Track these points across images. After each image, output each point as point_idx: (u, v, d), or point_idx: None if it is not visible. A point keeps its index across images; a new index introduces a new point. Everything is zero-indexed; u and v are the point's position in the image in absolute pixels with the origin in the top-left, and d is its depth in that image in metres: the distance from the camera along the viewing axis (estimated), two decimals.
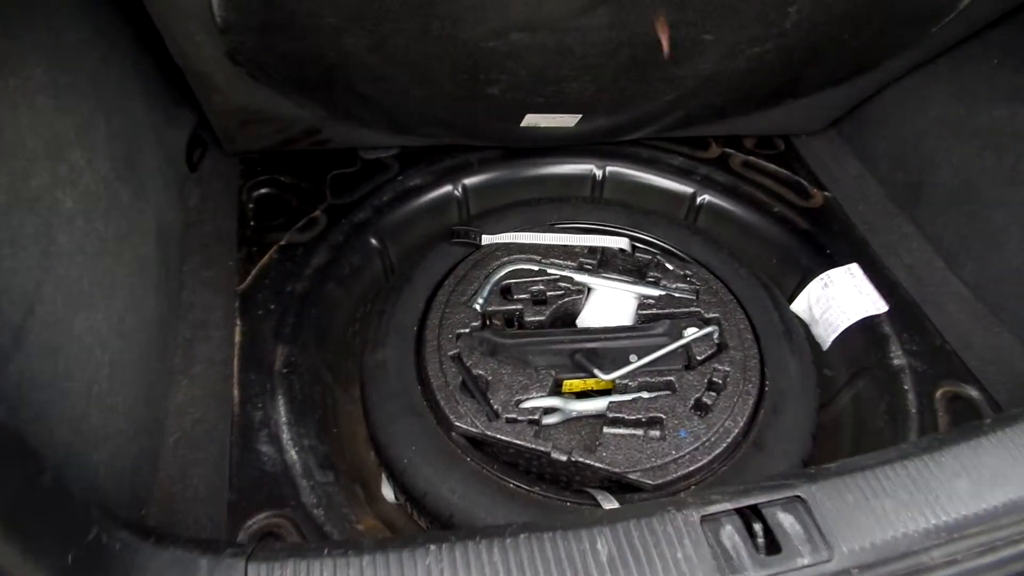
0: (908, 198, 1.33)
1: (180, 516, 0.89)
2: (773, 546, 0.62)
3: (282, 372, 1.07)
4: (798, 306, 1.31)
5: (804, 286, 1.30)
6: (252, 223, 1.30)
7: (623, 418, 1.03)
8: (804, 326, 1.27)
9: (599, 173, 1.50)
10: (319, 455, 0.99)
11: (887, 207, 1.37)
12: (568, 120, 1.35)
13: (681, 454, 0.99)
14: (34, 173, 0.74)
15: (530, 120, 1.32)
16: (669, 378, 1.08)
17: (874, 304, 1.22)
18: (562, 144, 1.48)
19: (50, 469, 0.53)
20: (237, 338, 1.10)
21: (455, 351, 1.10)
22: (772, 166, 1.50)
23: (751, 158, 1.52)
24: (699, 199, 1.46)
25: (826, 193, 1.44)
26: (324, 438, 1.02)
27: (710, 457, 0.99)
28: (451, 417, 1.02)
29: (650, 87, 1.23)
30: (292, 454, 0.97)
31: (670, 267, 1.25)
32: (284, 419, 1.01)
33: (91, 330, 0.77)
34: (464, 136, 1.44)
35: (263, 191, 1.37)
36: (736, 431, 1.02)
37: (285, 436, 0.99)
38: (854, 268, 1.28)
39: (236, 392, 1.03)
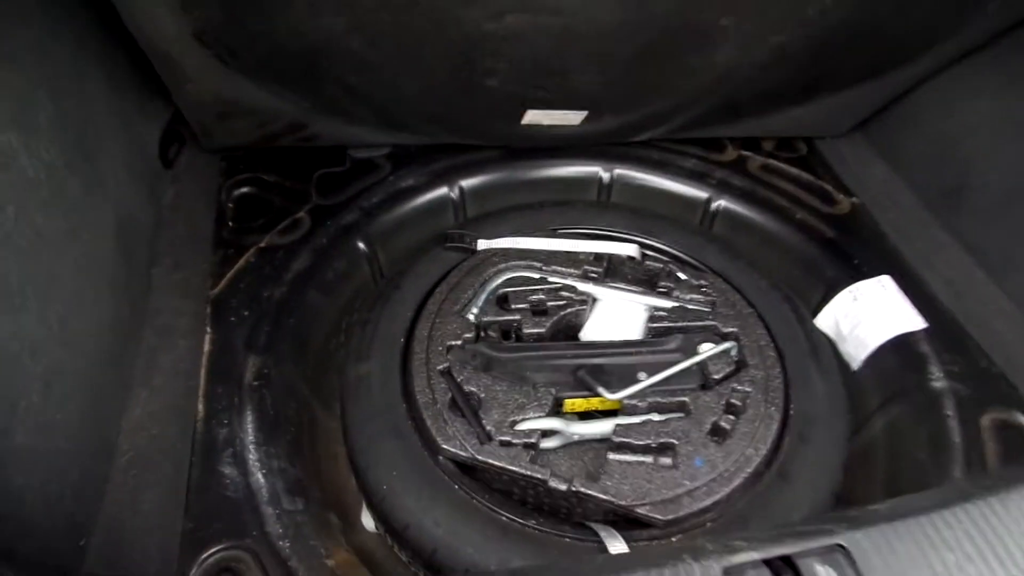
0: (945, 205, 1.23)
1: (126, 546, 0.79)
2: None
3: (252, 385, 0.98)
4: (823, 321, 1.21)
5: (829, 299, 1.21)
6: (231, 224, 1.22)
7: (631, 443, 0.93)
8: (828, 343, 1.17)
9: (606, 176, 1.42)
10: (289, 479, 0.89)
11: (920, 214, 1.27)
12: (573, 118, 1.26)
13: (696, 485, 0.89)
14: None
15: (532, 117, 1.23)
16: (682, 399, 0.98)
17: (910, 320, 1.11)
18: (566, 145, 1.39)
19: None
20: (206, 347, 1.01)
21: (445, 365, 1.00)
22: (794, 170, 1.41)
23: (771, 161, 1.43)
24: (714, 204, 1.37)
25: (853, 199, 1.34)
26: (296, 460, 0.92)
27: (729, 489, 0.89)
28: (438, 439, 0.92)
29: (664, 80, 1.15)
30: (258, 477, 0.88)
31: (683, 276, 1.15)
32: (251, 438, 0.92)
33: (17, 336, 0.68)
34: (461, 134, 1.35)
35: (244, 190, 1.29)
36: (758, 460, 0.92)
37: (251, 457, 0.90)
38: (886, 280, 1.18)
39: (200, 406, 0.94)
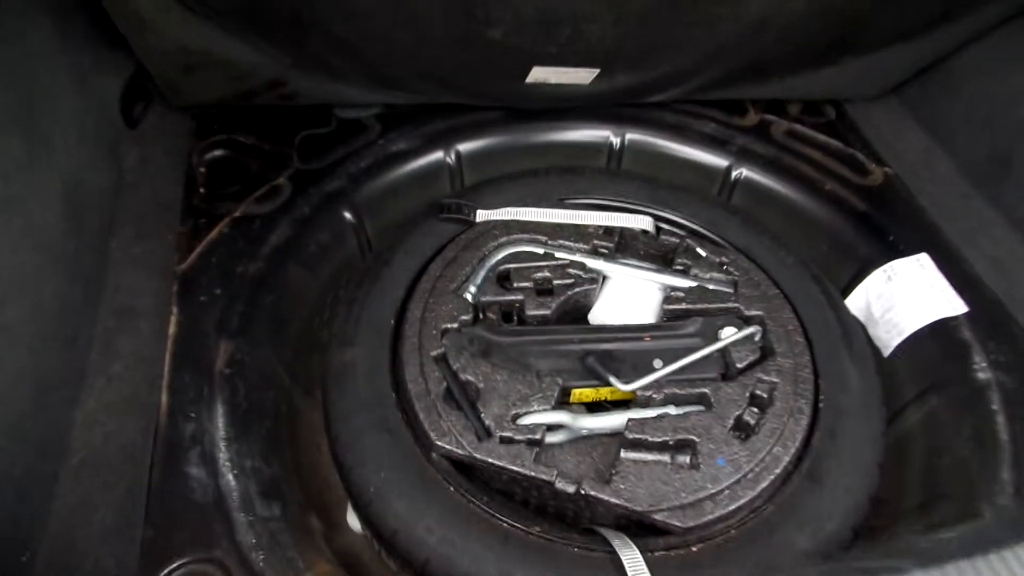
0: (990, 176, 1.13)
1: (78, 559, 0.71)
2: None
3: (224, 373, 0.89)
4: (854, 303, 1.11)
5: (861, 279, 1.11)
6: (202, 190, 1.11)
7: (646, 440, 0.84)
8: (861, 327, 1.08)
9: (617, 141, 1.31)
10: (264, 480, 0.80)
11: (962, 186, 1.17)
12: (583, 75, 1.14)
13: (718, 488, 0.80)
14: None
15: (538, 75, 1.12)
16: (703, 390, 0.89)
17: (950, 303, 1.02)
18: (574, 105, 1.28)
19: None
20: (172, 329, 0.92)
21: (440, 351, 0.91)
22: (822, 136, 1.30)
23: (796, 127, 1.32)
24: (735, 174, 1.26)
25: (887, 169, 1.24)
26: (273, 457, 0.84)
27: (754, 493, 0.81)
28: (432, 434, 0.84)
29: (685, 34, 1.03)
30: (229, 479, 0.79)
31: (702, 253, 1.06)
32: (222, 433, 0.83)
33: None
34: (459, 93, 1.24)
35: (217, 153, 1.18)
36: (786, 460, 0.84)
37: (222, 455, 0.81)
38: (924, 259, 1.08)
39: (164, 398, 0.84)
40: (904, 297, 1.05)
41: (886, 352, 1.06)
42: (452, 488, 0.80)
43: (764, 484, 0.81)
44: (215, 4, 0.88)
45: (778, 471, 0.82)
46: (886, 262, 1.09)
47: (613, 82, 1.17)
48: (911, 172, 1.22)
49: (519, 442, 0.83)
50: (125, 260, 0.97)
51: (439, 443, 0.83)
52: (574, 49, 1.03)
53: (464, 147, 1.25)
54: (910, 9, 0.98)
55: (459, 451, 0.83)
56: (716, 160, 1.27)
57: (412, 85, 1.19)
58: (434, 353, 0.91)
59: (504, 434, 0.84)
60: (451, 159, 1.24)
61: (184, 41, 0.95)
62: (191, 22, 0.91)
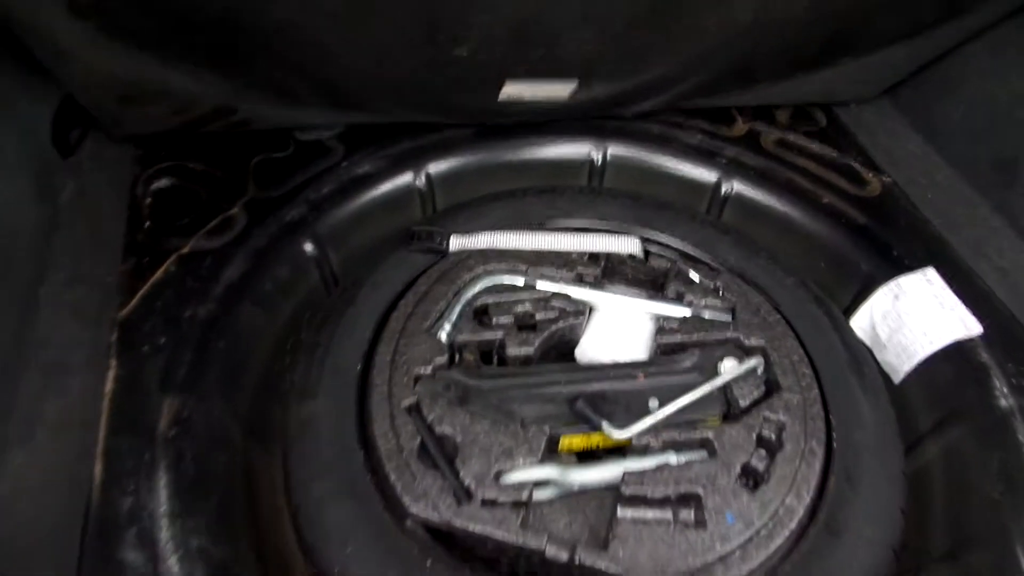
0: (995, 182, 1.06)
1: None
2: None
3: (168, 436, 0.78)
4: (858, 324, 1.04)
5: (864, 297, 1.04)
6: (147, 224, 1.01)
7: (645, 496, 0.76)
8: (869, 353, 1.00)
9: (598, 156, 1.22)
10: (213, 563, 0.70)
11: (965, 193, 1.10)
12: (561, 89, 1.06)
13: (729, 549, 0.72)
14: None
15: (511, 91, 1.03)
16: (705, 434, 0.81)
17: (963, 323, 0.95)
18: (551, 119, 1.20)
19: None
20: (108, 386, 0.81)
21: (412, 400, 0.82)
22: (814, 145, 1.23)
23: (788, 135, 1.25)
24: (725, 188, 1.19)
25: (884, 178, 1.17)
26: (223, 535, 0.74)
27: (769, 551, 0.72)
28: (405, 499, 0.74)
29: (669, 42, 0.95)
30: (171, 564, 0.69)
31: (696, 277, 0.98)
32: (164, 508, 0.73)
33: None
34: (426, 112, 1.15)
35: (164, 182, 1.07)
36: (801, 511, 0.75)
37: (163, 535, 0.71)
38: (931, 273, 1.01)
39: (98, 469, 0.74)
40: (913, 317, 0.98)
41: (896, 378, 0.98)
42: (429, 561, 0.71)
43: (779, 541, 0.73)
44: (145, 35, 0.78)
45: (793, 525, 0.74)
46: (890, 278, 1.02)
47: (593, 93, 1.09)
48: (910, 180, 1.15)
49: (504, 505, 0.74)
50: (56, 308, 0.87)
51: (413, 509, 0.74)
52: (549, 62, 0.95)
53: (435, 168, 1.16)
54: (912, 8, 0.91)
55: (436, 517, 0.74)
56: (704, 174, 1.20)
57: (375, 106, 1.10)
58: (406, 403, 0.82)
59: (487, 495, 0.75)
60: (421, 182, 1.15)
61: (115, 72, 0.85)
62: (119, 53, 0.81)
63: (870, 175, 1.17)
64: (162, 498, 0.73)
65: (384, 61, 0.94)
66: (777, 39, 0.94)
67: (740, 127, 1.26)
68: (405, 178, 1.14)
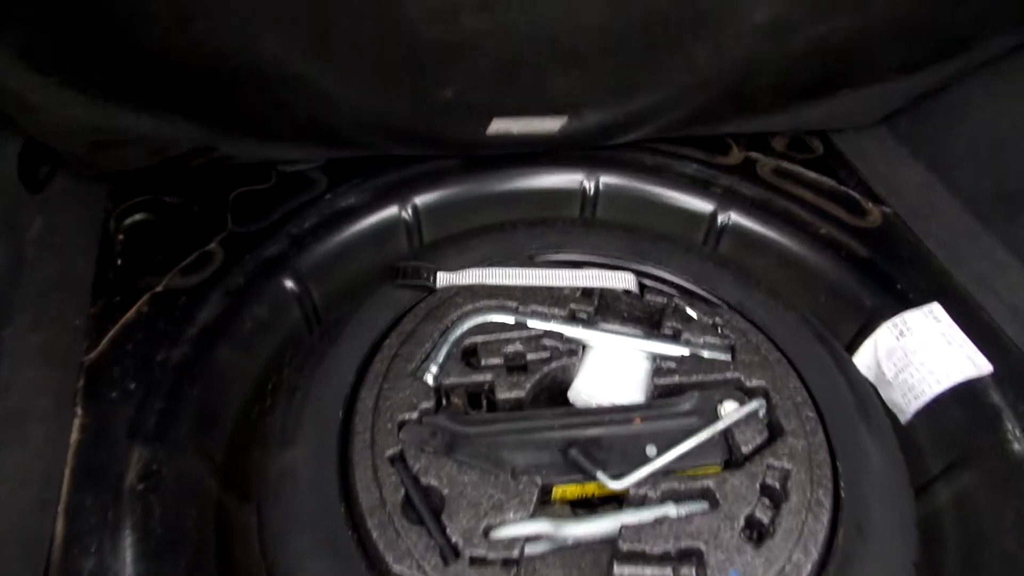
0: (1000, 214, 1.05)
1: None
2: None
3: (136, 490, 0.75)
4: (861, 361, 1.02)
5: (867, 334, 1.02)
6: (119, 262, 0.98)
7: (643, 551, 0.73)
8: (875, 392, 0.98)
9: (591, 186, 1.21)
10: None
11: (969, 225, 1.09)
12: (549, 124, 1.05)
13: None
14: None
15: (499, 126, 1.02)
16: (706, 483, 0.78)
17: (972, 362, 0.93)
18: (541, 150, 1.18)
19: None
20: (73, 436, 0.78)
21: (396, 449, 0.79)
22: (812, 174, 1.22)
23: (784, 164, 1.24)
24: (721, 219, 1.17)
25: (884, 208, 1.16)
26: None
27: None
28: (387, 557, 0.71)
29: (661, 75, 0.94)
30: None
31: (693, 314, 0.96)
32: (130, 570, 0.69)
33: None
34: (412, 147, 1.13)
35: (138, 217, 1.05)
36: (809, 567, 0.72)
37: None
38: (936, 309, 0.99)
39: (59, 526, 0.71)
40: (919, 355, 0.96)
41: (903, 418, 0.96)
42: None
43: None
44: (112, 86, 0.76)
45: None
46: (894, 314, 1.00)
47: (583, 125, 1.07)
48: (912, 211, 1.14)
49: (493, 562, 0.71)
50: (20, 353, 0.84)
51: (396, 568, 0.70)
52: (537, 100, 0.94)
53: (422, 200, 1.14)
54: (916, 44, 0.90)
55: None
56: (700, 204, 1.18)
57: (358, 141, 1.08)
58: (389, 453, 0.79)
59: (475, 553, 0.71)
60: (407, 214, 1.13)
61: (84, 120, 0.83)
62: (87, 103, 0.79)
63: (870, 205, 1.16)
64: (128, 559, 0.70)
65: (368, 102, 0.93)
66: (770, 73, 0.93)
67: (736, 155, 1.25)
68: (391, 210, 1.12)
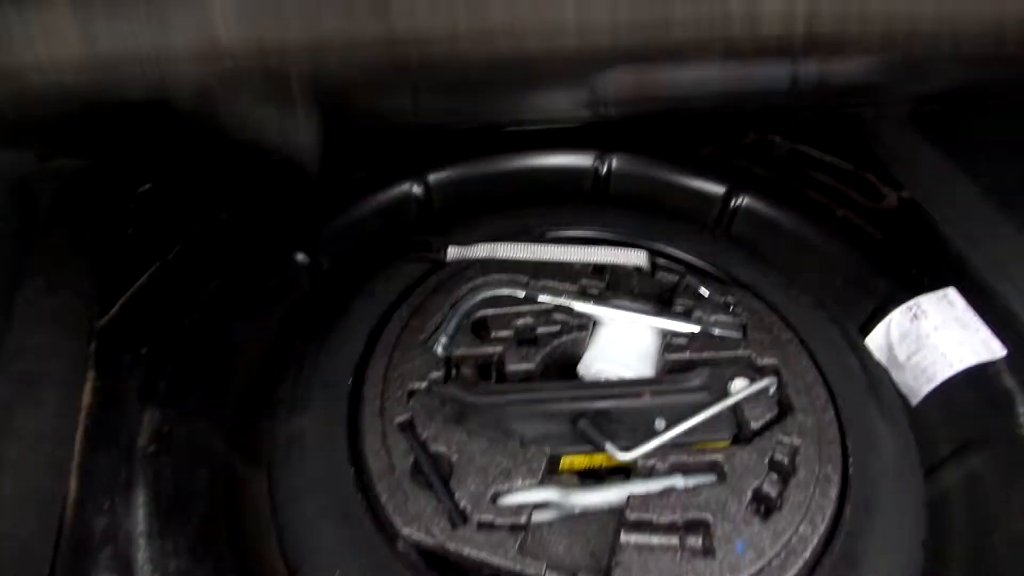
0: (1019, 201, 1.05)
1: None
2: None
3: (147, 451, 0.77)
4: (874, 343, 1.03)
5: (880, 317, 1.03)
6: (131, 229, 1.00)
7: (650, 521, 0.74)
8: (886, 374, 0.99)
9: (603, 165, 1.22)
10: None
11: (987, 212, 1.09)
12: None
13: None
14: None
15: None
16: (714, 456, 0.79)
17: (986, 346, 0.94)
18: (557, 127, 1.19)
19: None
20: (86, 399, 0.80)
21: (406, 416, 0.81)
22: (829, 157, 1.23)
23: (800, 147, 1.25)
24: (735, 200, 1.18)
25: (902, 193, 1.16)
26: (204, 556, 0.72)
27: None
28: (396, 520, 0.73)
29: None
30: None
31: (705, 292, 0.97)
32: (142, 528, 0.71)
33: None
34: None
35: (150, 186, 1.07)
36: (816, 540, 0.74)
37: (141, 556, 0.70)
38: (951, 293, 1.00)
39: (72, 484, 0.73)
40: (933, 338, 0.97)
41: (914, 400, 0.97)
42: None
43: (792, 572, 0.72)
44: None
45: (807, 555, 0.73)
46: (908, 297, 1.01)
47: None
48: (929, 196, 1.14)
49: (501, 528, 0.73)
50: (33, 317, 0.86)
51: (405, 531, 0.72)
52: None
53: (434, 175, 1.16)
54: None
55: (429, 540, 0.72)
56: (713, 185, 1.20)
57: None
58: (399, 419, 0.80)
59: (483, 518, 0.73)
60: (419, 189, 1.15)
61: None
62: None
63: (887, 189, 1.17)
64: (139, 517, 0.72)
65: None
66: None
67: (751, 136, 1.26)
68: (403, 185, 1.14)
